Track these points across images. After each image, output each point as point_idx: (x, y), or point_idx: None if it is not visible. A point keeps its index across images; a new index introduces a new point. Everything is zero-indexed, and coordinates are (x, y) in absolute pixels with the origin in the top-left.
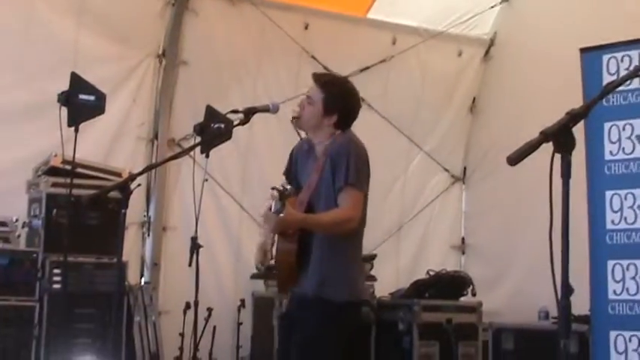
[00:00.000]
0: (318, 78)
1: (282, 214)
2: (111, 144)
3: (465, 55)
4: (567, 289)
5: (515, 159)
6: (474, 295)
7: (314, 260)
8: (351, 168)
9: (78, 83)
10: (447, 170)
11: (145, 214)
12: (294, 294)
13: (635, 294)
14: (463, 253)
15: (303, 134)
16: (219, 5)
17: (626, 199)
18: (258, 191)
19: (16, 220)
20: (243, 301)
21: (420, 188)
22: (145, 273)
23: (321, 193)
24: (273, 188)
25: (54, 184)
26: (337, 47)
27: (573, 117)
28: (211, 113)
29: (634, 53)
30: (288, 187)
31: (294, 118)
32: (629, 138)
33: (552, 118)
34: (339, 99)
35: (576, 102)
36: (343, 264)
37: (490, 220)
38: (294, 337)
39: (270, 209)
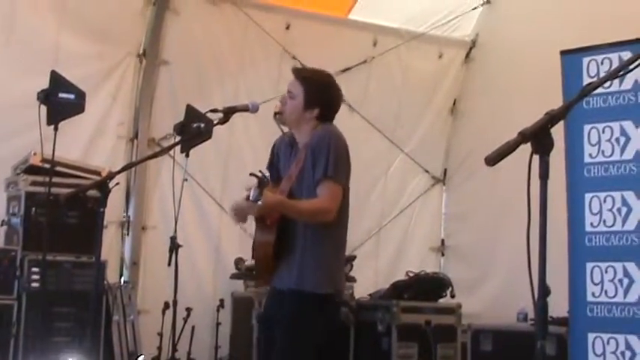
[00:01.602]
0: (298, 72)
1: (259, 202)
2: (90, 143)
3: (446, 56)
4: (544, 290)
5: (493, 159)
6: (452, 296)
7: (293, 252)
8: (330, 160)
9: (58, 81)
10: (427, 172)
11: (125, 213)
12: (273, 289)
13: (614, 296)
14: (443, 254)
15: (286, 129)
16: (201, 5)
17: (605, 201)
18: (238, 191)
19: None
20: (222, 301)
21: (401, 189)
22: (124, 272)
23: (303, 185)
24: (251, 174)
25: (33, 183)
26: (318, 48)
27: (552, 118)
28: (191, 112)
29: (614, 56)
30: (267, 174)
31: (276, 113)
32: (608, 140)
33: (533, 120)
34: (319, 92)
35: (557, 104)
36: (323, 256)
37: (470, 222)
38: (275, 331)
39: (248, 198)
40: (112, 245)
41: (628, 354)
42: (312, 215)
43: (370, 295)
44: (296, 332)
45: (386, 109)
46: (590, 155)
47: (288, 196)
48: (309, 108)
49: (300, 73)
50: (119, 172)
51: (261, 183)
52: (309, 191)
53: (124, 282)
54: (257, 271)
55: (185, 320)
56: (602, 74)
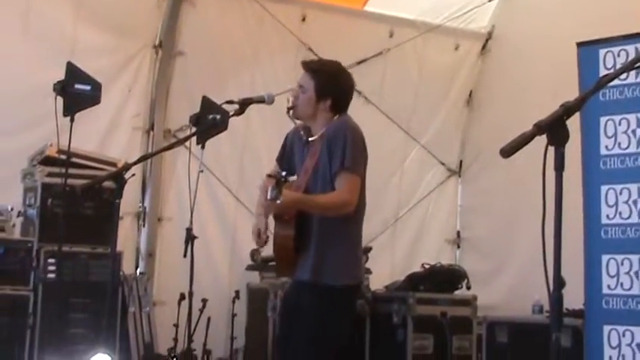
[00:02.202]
0: (307, 65)
1: (279, 201)
2: (106, 134)
3: (462, 48)
4: (559, 282)
5: (508, 151)
6: (468, 288)
7: (312, 245)
8: (347, 152)
9: (74, 73)
10: (443, 164)
11: (141, 204)
12: (294, 281)
13: (629, 289)
14: (458, 246)
15: (300, 124)
16: None
17: (621, 193)
18: (254, 182)
19: (11, 209)
20: (237, 292)
21: (416, 182)
22: (140, 263)
23: (318, 178)
24: (269, 175)
25: (49, 174)
26: (334, 39)
27: (567, 110)
28: (207, 104)
29: (631, 48)
30: (284, 173)
31: (289, 108)
32: (625, 132)
33: (549, 112)
34: (330, 82)
35: (573, 96)
36: (341, 248)
37: (486, 214)
38: (295, 325)
39: (267, 198)
40: (127, 236)
41: None
42: (331, 209)
43: (386, 286)
44: (317, 325)
45: (402, 101)
46: (607, 147)
47: (305, 190)
48: (322, 99)
49: (309, 66)
50: (135, 163)
51: (279, 182)
52: (324, 183)
53: (140, 273)
54: (278, 265)
55: (201, 311)
56: (618, 66)
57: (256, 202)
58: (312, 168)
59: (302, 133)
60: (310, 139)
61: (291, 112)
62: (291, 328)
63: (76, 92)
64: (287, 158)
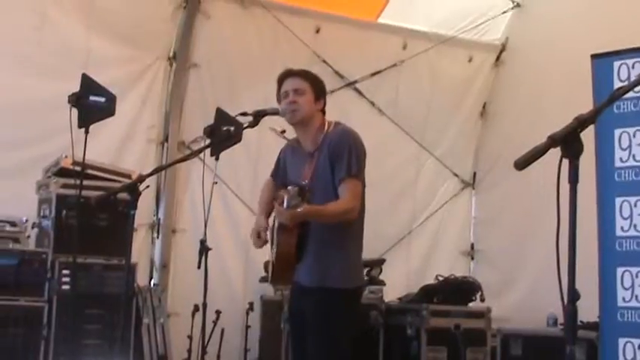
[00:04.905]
0: (292, 72)
1: (300, 209)
2: (121, 146)
3: (475, 60)
4: (574, 295)
5: (522, 164)
6: (482, 300)
7: (314, 251)
8: (352, 159)
9: (88, 85)
10: (456, 175)
11: (155, 216)
12: (296, 287)
13: None
14: (472, 258)
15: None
16: (231, 8)
17: (636, 206)
18: None
19: (26, 221)
20: (251, 304)
21: (430, 193)
22: (154, 275)
23: (318, 185)
24: (291, 185)
25: (64, 185)
26: (348, 51)
27: (581, 122)
28: (221, 116)
29: None
30: (304, 182)
31: (292, 111)
32: (639, 145)
33: (563, 124)
34: (320, 84)
35: (587, 108)
36: (346, 251)
37: (500, 226)
38: (306, 330)
39: (283, 205)
40: (142, 248)
41: None
42: (339, 216)
43: (400, 298)
44: (329, 329)
45: (415, 112)
46: (621, 159)
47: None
48: (318, 100)
49: (296, 72)
50: (149, 175)
51: (302, 191)
52: (325, 191)
53: (154, 285)
54: (277, 272)
55: (215, 323)
56: (632, 78)
57: (258, 202)
58: (311, 175)
59: (293, 147)
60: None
61: (292, 113)
62: (301, 332)
63: (91, 104)
64: (281, 175)
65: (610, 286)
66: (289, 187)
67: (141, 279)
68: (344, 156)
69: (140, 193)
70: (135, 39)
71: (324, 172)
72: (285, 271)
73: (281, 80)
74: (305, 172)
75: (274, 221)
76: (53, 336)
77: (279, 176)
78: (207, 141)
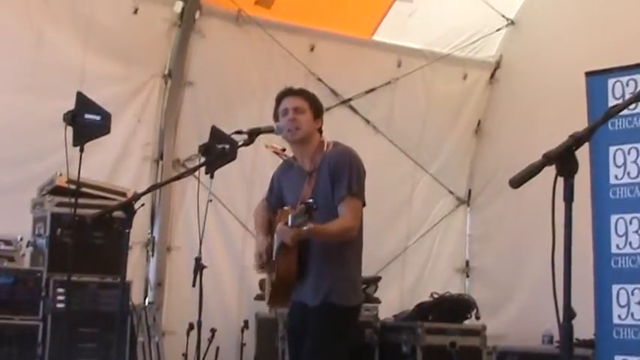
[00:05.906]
0: (292, 90)
1: (305, 227)
2: (116, 164)
3: (470, 77)
4: (569, 313)
5: (517, 182)
6: (477, 318)
7: (317, 269)
8: (353, 178)
9: (83, 103)
10: (451, 193)
11: (150, 234)
12: (296, 305)
13: None
14: (467, 276)
15: (289, 158)
16: (226, 26)
17: (631, 223)
18: None
19: (21, 239)
20: (246, 322)
21: (425, 211)
22: (149, 293)
23: (319, 203)
24: (301, 203)
25: (59, 204)
26: (343, 69)
27: (576, 140)
28: (216, 134)
29: (639, 77)
30: (310, 200)
31: (294, 129)
32: (634, 162)
33: (558, 142)
34: (318, 103)
35: (582, 126)
36: (346, 270)
37: (495, 244)
38: (303, 346)
39: (287, 224)
40: (136, 266)
41: None
42: (340, 235)
43: (395, 316)
44: (328, 345)
45: (410, 130)
46: (616, 177)
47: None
48: (316, 119)
49: (295, 91)
50: (144, 193)
51: (309, 209)
52: (326, 209)
53: (149, 303)
54: (276, 293)
55: (210, 341)
56: (627, 95)
57: (254, 225)
58: (310, 194)
59: (288, 166)
60: (312, 169)
61: (292, 132)
62: (299, 348)
63: (86, 122)
64: (275, 198)
65: (606, 303)
66: (299, 205)
67: (136, 297)
68: (344, 175)
69: (135, 212)
70: (130, 57)
71: (324, 191)
72: (284, 292)
73: (280, 98)
74: (305, 191)
75: (273, 242)
76: (48, 355)
77: (274, 199)
78: (202, 159)
